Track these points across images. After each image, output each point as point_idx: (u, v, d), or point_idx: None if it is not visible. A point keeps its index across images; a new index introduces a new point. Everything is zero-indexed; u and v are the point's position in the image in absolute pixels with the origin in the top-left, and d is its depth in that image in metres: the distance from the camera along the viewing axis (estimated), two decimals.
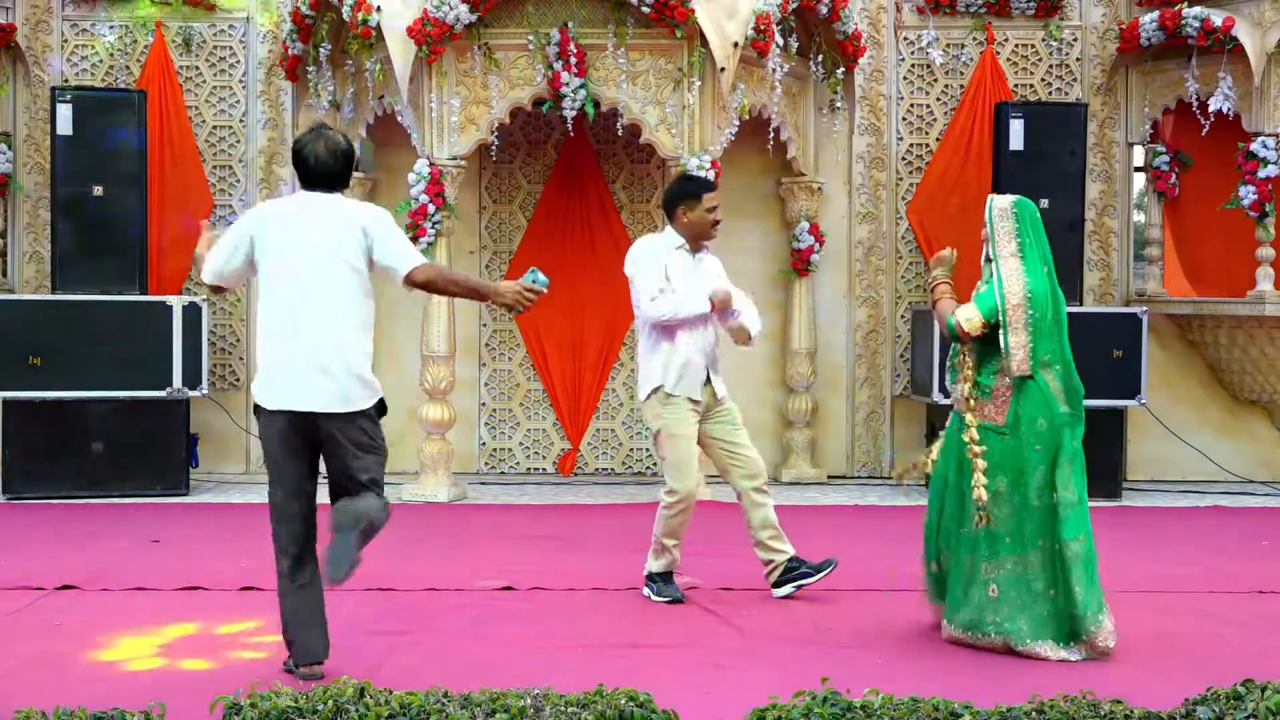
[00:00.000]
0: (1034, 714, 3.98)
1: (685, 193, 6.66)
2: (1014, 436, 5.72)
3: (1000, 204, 5.96)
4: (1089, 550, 5.69)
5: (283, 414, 5.10)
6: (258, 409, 5.17)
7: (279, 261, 5.16)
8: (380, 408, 5.24)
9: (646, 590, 6.68)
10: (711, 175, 9.47)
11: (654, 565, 6.67)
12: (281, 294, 5.12)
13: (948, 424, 6.07)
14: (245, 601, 6.62)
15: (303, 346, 5.08)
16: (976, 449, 5.76)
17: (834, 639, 5.99)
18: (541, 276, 5.33)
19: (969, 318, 5.82)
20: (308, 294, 5.10)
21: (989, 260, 5.94)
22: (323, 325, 5.09)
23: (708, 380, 6.58)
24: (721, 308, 6.52)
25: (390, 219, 5.29)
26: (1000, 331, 5.75)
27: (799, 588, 6.61)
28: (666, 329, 6.50)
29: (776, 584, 6.66)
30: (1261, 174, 9.99)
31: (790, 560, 6.63)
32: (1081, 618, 5.64)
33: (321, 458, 5.19)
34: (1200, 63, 10.28)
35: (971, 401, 5.83)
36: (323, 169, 5.33)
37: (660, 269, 6.54)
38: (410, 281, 5.20)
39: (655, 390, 6.54)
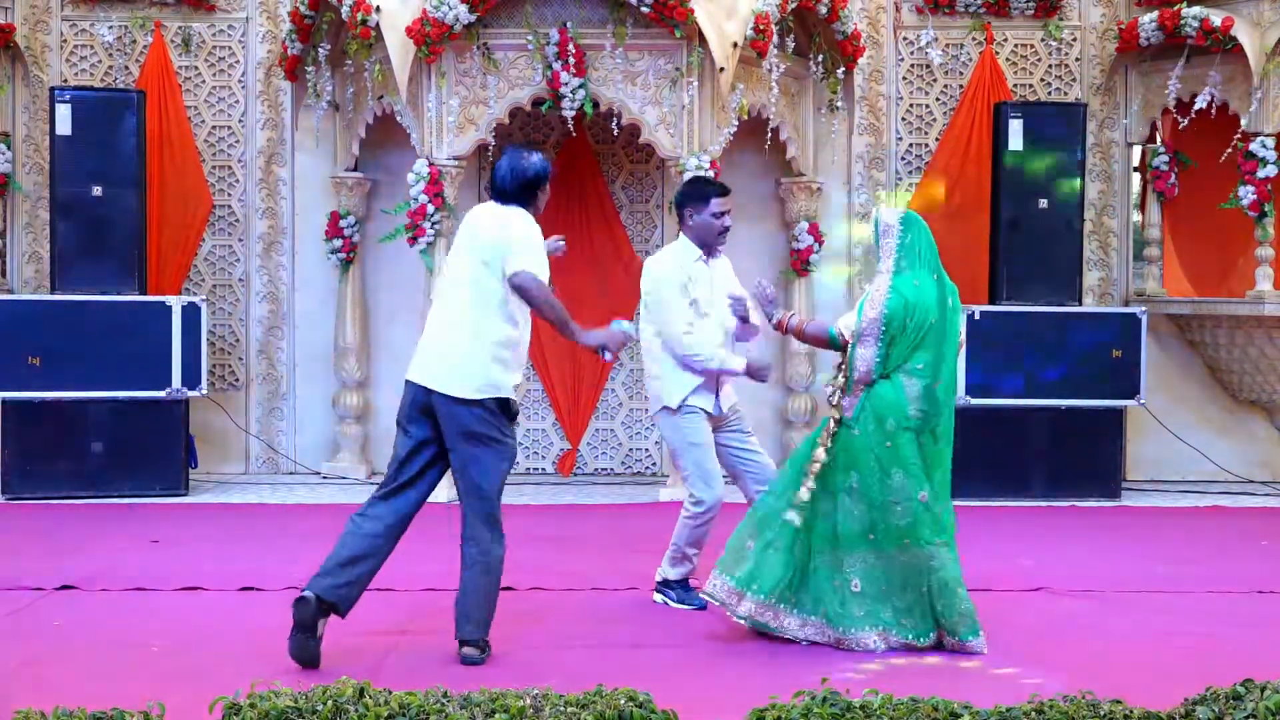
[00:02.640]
0: (1033, 714, 3.98)
1: (692, 194, 6.62)
2: (862, 433, 5.85)
3: (886, 219, 6.05)
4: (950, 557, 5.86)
5: (410, 385, 5.61)
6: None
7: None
8: (503, 405, 5.54)
9: (661, 597, 6.63)
10: (711, 175, 9.47)
11: (671, 572, 6.59)
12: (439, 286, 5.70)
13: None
14: (245, 602, 6.62)
15: (431, 332, 5.67)
16: (825, 445, 5.87)
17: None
18: (628, 325, 5.74)
19: (848, 324, 5.97)
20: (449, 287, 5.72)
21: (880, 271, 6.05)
22: (450, 316, 5.62)
23: (718, 391, 6.56)
24: (757, 374, 6.46)
25: (522, 228, 5.67)
26: (852, 343, 5.92)
27: None
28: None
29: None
30: (1260, 174, 9.99)
31: None
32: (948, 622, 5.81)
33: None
34: (1198, 63, 10.27)
35: (835, 398, 5.95)
36: (494, 183, 5.84)
37: (682, 292, 6.46)
38: (510, 283, 5.55)
39: (668, 407, 6.53)
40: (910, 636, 5.82)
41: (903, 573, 5.83)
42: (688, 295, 6.46)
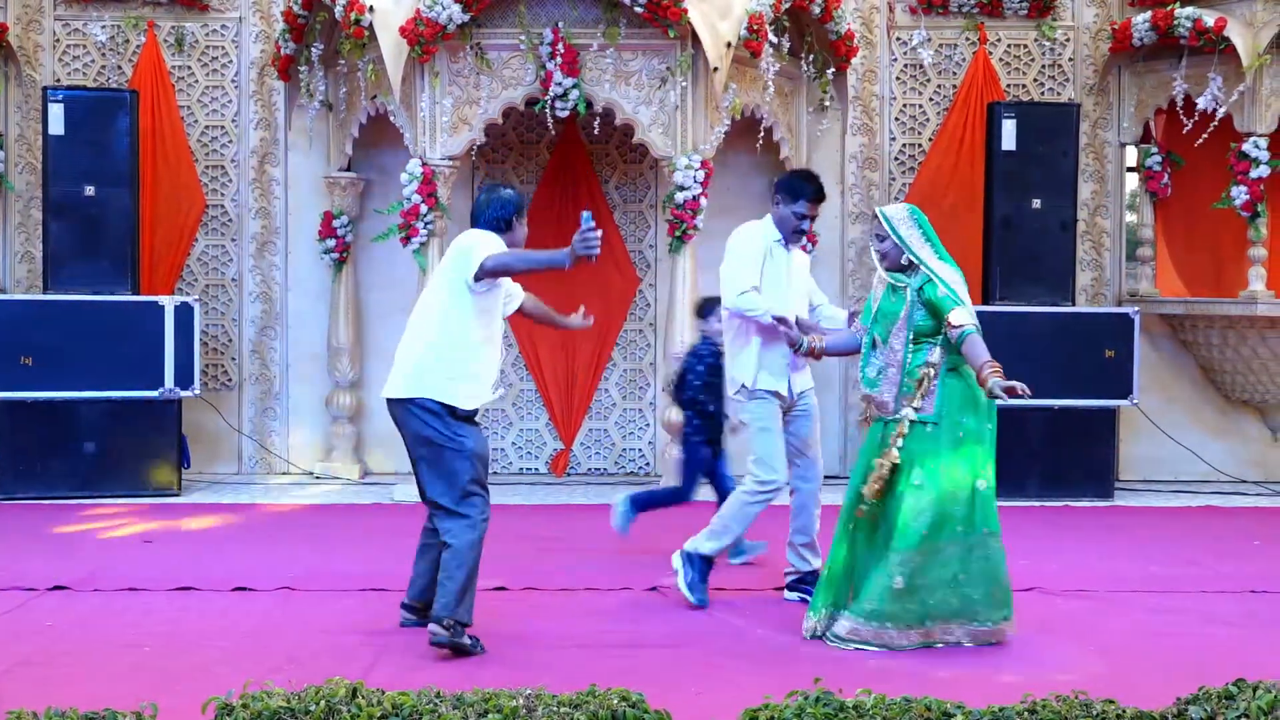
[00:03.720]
0: (1026, 714, 3.98)
1: (788, 186, 6.59)
2: (934, 430, 5.85)
3: (897, 213, 6.08)
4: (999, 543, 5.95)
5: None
6: None
7: None
8: (448, 409, 5.74)
9: (679, 561, 6.53)
10: (702, 175, 9.48)
11: (705, 545, 6.50)
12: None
13: (868, 435, 6.11)
14: (237, 602, 6.62)
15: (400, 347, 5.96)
16: (898, 444, 5.85)
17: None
18: (585, 213, 5.78)
19: (969, 316, 5.90)
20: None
21: (905, 267, 6.02)
22: (410, 332, 5.91)
23: (791, 375, 6.58)
24: (807, 353, 6.36)
25: (471, 239, 5.85)
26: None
27: (803, 599, 6.61)
28: (756, 325, 6.47)
29: (790, 587, 6.70)
30: (1253, 174, 10.00)
31: (811, 574, 6.65)
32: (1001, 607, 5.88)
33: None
34: (1191, 63, 10.28)
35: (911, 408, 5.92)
36: (471, 216, 6.06)
37: (758, 261, 6.47)
38: (481, 273, 5.73)
39: (743, 386, 6.55)
40: (976, 624, 5.85)
41: (957, 563, 5.82)
42: (759, 267, 6.46)
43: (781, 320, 6.27)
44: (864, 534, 5.98)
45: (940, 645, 5.82)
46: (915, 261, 5.98)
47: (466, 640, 5.66)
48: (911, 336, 5.93)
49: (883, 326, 6.01)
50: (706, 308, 7.50)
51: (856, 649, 5.77)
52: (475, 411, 5.89)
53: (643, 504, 7.67)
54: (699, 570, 6.52)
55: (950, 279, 5.94)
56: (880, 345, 6.03)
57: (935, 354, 5.91)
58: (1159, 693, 4.43)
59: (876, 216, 6.11)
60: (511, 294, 6.20)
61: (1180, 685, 4.39)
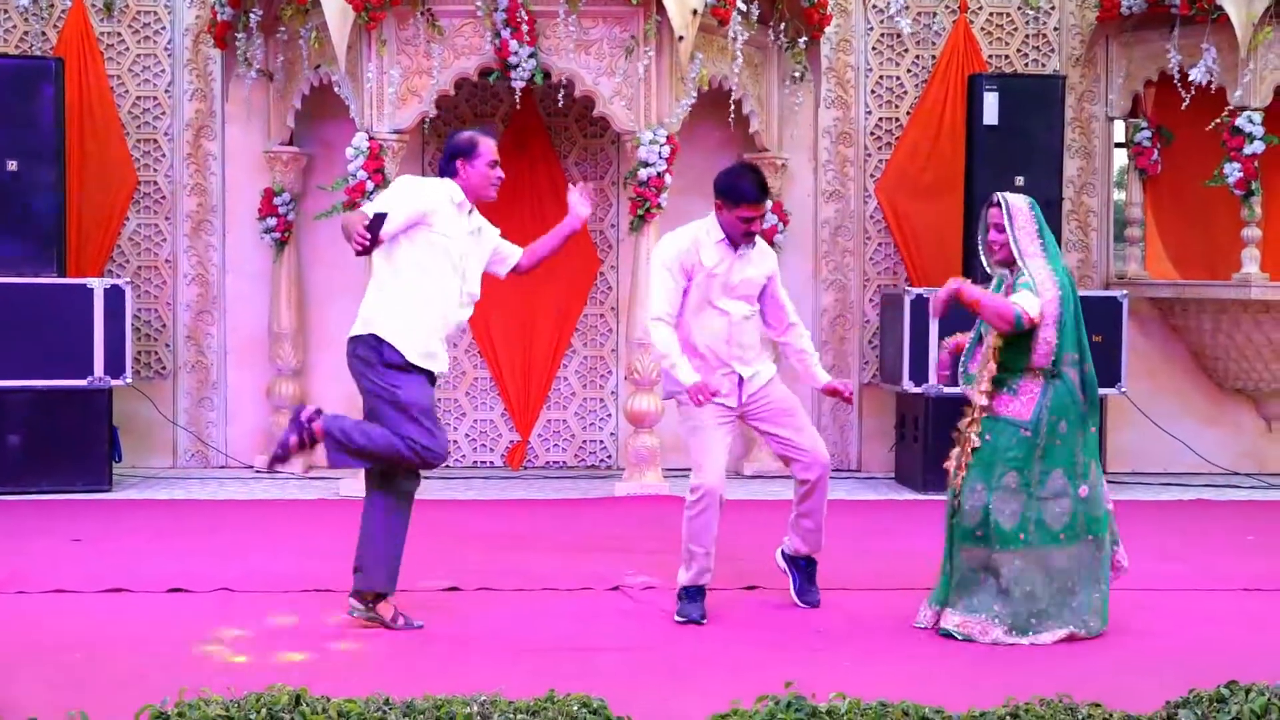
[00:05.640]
0: (1008, 718, 4.01)
1: (725, 190, 6.38)
2: (1035, 434, 5.99)
3: (1018, 203, 6.13)
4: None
5: None
6: None
7: None
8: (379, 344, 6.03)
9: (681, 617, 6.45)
10: (667, 151, 9.48)
11: (681, 576, 6.41)
12: None
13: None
14: (172, 604, 6.59)
15: None
16: (974, 440, 6.03)
17: (800, 640, 6.02)
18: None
19: (1031, 306, 5.95)
20: None
21: (1008, 262, 6.10)
22: None
23: (742, 379, 6.47)
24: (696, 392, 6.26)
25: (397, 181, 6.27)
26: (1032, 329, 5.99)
27: (787, 571, 6.67)
28: (682, 329, 6.44)
29: (784, 554, 6.74)
30: (1247, 150, 10.06)
31: (798, 559, 6.67)
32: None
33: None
34: (1183, 33, 10.33)
35: (986, 398, 6.08)
36: None
37: (676, 281, 6.37)
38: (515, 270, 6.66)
39: (672, 394, 6.51)
40: (1073, 628, 6.03)
41: (1058, 570, 5.99)
42: (679, 280, 6.39)
43: (699, 389, 6.22)
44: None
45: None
46: (1019, 261, 6.06)
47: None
48: (1012, 336, 6.01)
49: (988, 324, 6.13)
50: None
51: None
52: (420, 369, 6.05)
53: None
54: (682, 598, 6.43)
55: (1040, 277, 6.01)
56: (986, 340, 6.17)
57: (1030, 359, 6.02)
58: (1148, 695, 4.47)
59: (998, 204, 6.10)
60: (504, 256, 6.48)
61: (1170, 688, 4.43)
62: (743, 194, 6.33)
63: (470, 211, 6.25)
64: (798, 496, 6.56)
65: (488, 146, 6.21)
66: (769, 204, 6.57)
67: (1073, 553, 6.04)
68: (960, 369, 6.32)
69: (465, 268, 6.18)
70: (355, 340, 6.11)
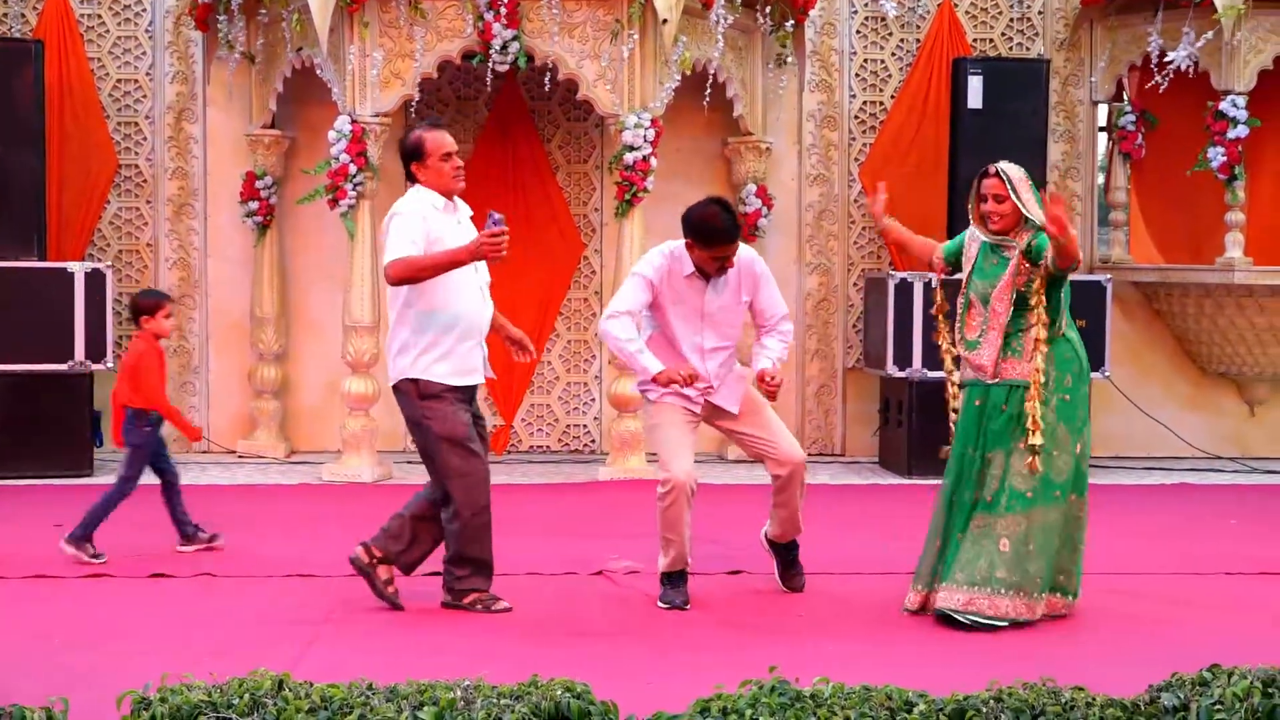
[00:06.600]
0: (992, 702, 4.01)
1: (696, 231, 6.26)
2: (1045, 389, 6.04)
3: (1015, 170, 6.16)
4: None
5: None
6: None
7: None
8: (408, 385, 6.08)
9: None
10: (652, 134, 9.47)
11: (660, 562, 6.42)
12: None
13: (965, 399, 6.22)
14: (154, 589, 6.58)
15: None
16: (1039, 407, 6.01)
17: (784, 624, 6.03)
18: (497, 215, 5.86)
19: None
20: None
21: (1006, 231, 6.10)
22: None
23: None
24: (666, 383, 6.22)
25: (388, 221, 6.08)
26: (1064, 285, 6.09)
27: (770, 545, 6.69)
28: (656, 334, 6.42)
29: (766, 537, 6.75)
30: (1231, 134, 10.07)
31: (779, 545, 6.68)
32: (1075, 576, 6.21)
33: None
34: (1166, 17, 10.33)
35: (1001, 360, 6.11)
36: None
37: (645, 289, 6.32)
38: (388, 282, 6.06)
39: (642, 391, 6.49)
40: (1060, 594, 6.13)
41: (1057, 529, 6.06)
42: (648, 294, 6.32)
43: (660, 380, 6.19)
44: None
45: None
46: (1028, 221, 6.08)
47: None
48: (1015, 298, 6.05)
49: (980, 289, 6.14)
50: None
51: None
52: (459, 389, 6.12)
53: None
54: (664, 584, 6.43)
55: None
56: (979, 306, 6.17)
57: (1038, 315, 6.06)
58: (1131, 679, 4.48)
59: (996, 175, 6.10)
60: (487, 279, 6.31)
61: (1153, 671, 4.44)
62: (715, 235, 6.25)
63: (452, 209, 6.22)
64: (773, 489, 6.56)
65: (434, 142, 6.14)
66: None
67: (1064, 510, 6.08)
68: (958, 336, 6.26)
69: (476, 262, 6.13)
70: (394, 387, 6.21)
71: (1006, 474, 6.01)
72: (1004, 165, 6.16)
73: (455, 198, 6.25)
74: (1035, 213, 6.07)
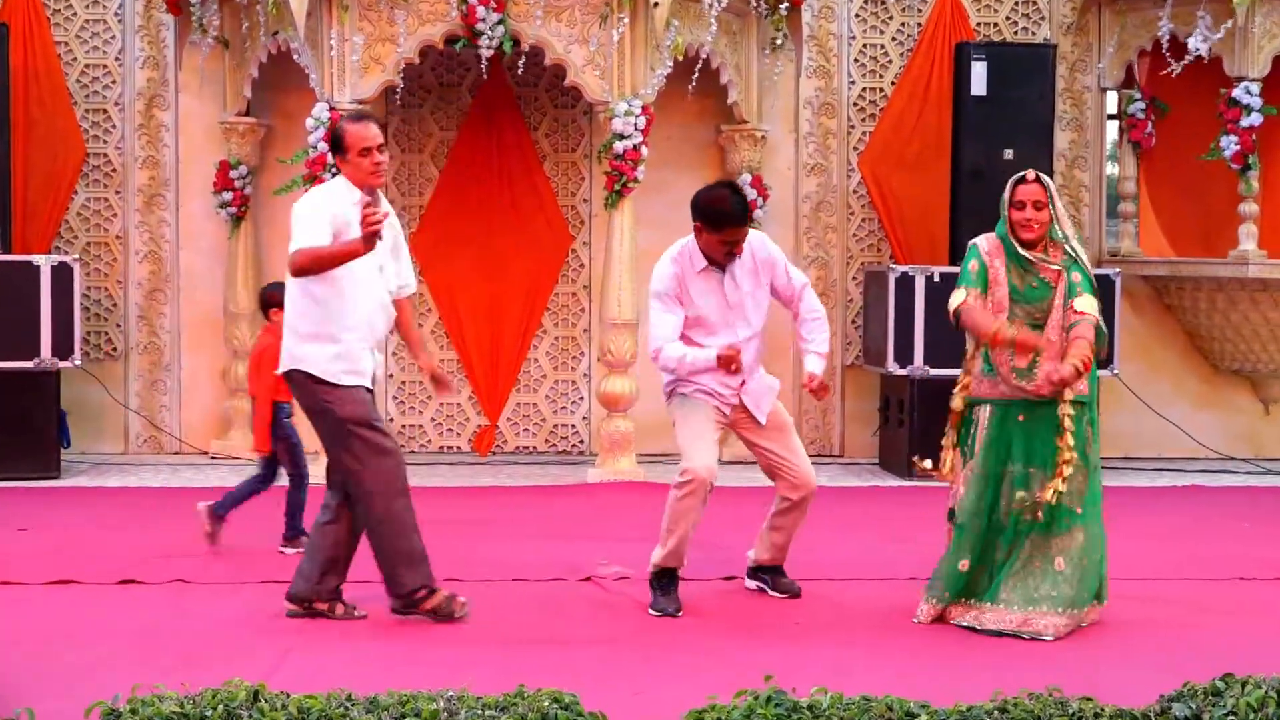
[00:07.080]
0: (996, 713, 4.02)
1: (706, 215, 6.36)
2: (1090, 408, 6.17)
3: (1051, 182, 6.16)
4: None
5: None
6: None
7: None
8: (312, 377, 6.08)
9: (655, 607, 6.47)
10: (643, 122, 9.46)
11: (655, 554, 6.42)
12: None
13: (993, 416, 6.20)
14: (123, 596, 6.57)
15: None
16: (1070, 425, 6.06)
17: (780, 631, 6.03)
18: (364, 196, 6.01)
19: (1095, 308, 6.11)
20: None
21: (1037, 243, 6.09)
22: None
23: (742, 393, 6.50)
24: (725, 366, 6.28)
25: (295, 210, 6.09)
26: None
27: (761, 589, 6.68)
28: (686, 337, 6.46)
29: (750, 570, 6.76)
30: (1244, 122, 10.08)
31: (762, 567, 6.70)
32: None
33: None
34: (1177, 0, 10.33)
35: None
36: None
37: (672, 305, 6.40)
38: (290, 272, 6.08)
39: (670, 391, 6.54)
40: (1096, 600, 6.16)
41: (1100, 541, 6.12)
42: (676, 307, 6.38)
43: (723, 360, 6.24)
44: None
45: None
46: (1064, 240, 6.09)
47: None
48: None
49: (1024, 315, 6.10)
50: None
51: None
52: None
53: None
54: (654, 586, 6.44)
55: (1086, 258, 6.21)
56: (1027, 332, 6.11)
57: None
58: (1141, 688, 4.49)
59: (1037, 180, 6.07)
60: (405, 283, 6.36)
61: (1163, 681, 4.45)
62: (725, 218, 6.33)
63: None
64: (777, 510, 6.58)
65: (355, 135, 6.10)
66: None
67: (1101, 520, 6.18)
68: (1008, 360, 6.19)
69: (383, 261, 6.16)
70: (286, 374, 6.25)
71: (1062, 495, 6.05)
72: (1040, 173, 6.16)
73: (377, 191, 6.23)
74: (1068, 227, 6.11)
